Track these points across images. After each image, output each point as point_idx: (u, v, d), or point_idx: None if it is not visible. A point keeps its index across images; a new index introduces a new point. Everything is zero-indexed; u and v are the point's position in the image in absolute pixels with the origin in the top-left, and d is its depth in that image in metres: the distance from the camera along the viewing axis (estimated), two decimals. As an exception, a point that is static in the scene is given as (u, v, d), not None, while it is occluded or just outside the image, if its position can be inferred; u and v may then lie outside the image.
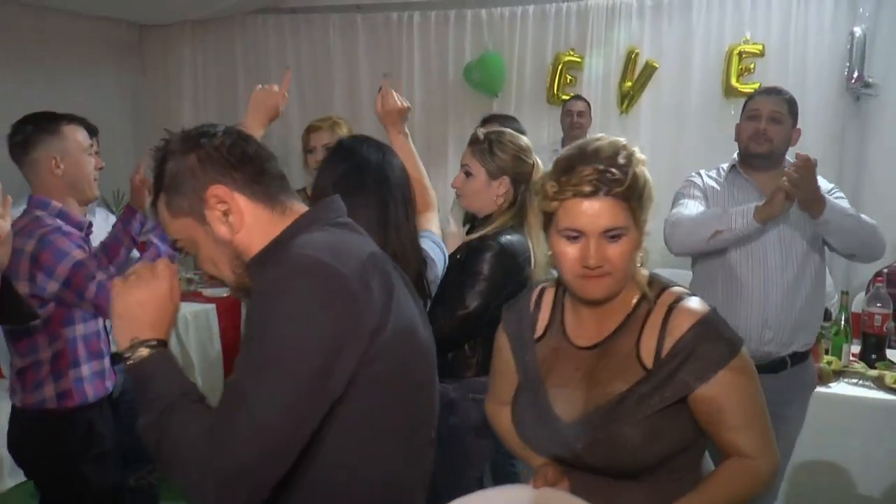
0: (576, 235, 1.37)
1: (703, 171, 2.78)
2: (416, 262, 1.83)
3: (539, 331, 1.55)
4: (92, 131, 2.73)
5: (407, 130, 2.30)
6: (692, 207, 2.61)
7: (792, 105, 2.62)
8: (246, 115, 2.05)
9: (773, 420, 2.34)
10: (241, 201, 1.25)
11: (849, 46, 4.57)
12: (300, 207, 1.32)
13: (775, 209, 2.37)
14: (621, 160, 1.38)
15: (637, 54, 5.01)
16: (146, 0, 5.11)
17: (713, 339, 1.38)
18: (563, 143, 4.84)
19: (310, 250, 1.16)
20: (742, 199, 2.56)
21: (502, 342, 1.61)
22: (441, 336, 1.98)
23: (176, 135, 1.29)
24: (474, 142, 2.31)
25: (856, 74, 4.56)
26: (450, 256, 2.22)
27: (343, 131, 3.01)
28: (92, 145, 2.70)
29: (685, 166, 4.93)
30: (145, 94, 6.08)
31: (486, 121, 3.04)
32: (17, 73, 4.66)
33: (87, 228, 2.36)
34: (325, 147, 2.93)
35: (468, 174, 2.29)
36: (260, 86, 2.10)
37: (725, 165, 2.72)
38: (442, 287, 2.13)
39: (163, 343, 1.24)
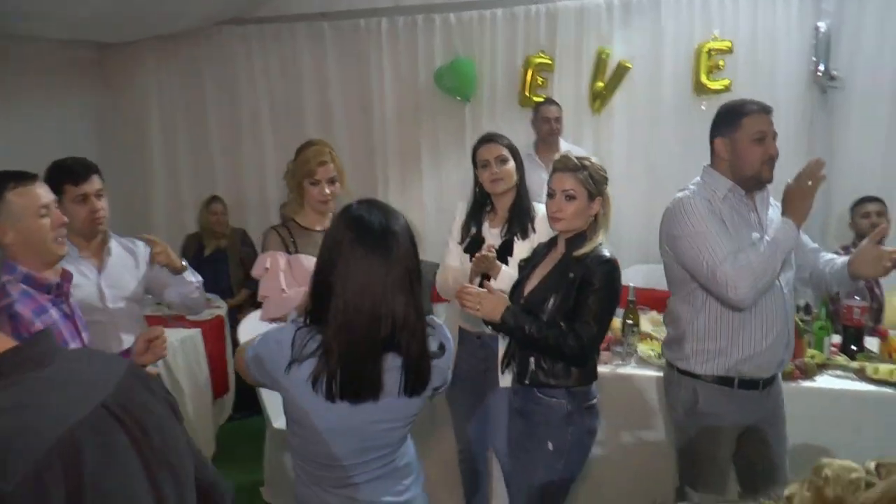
0: None
1: (691, 200, 2.50)
2: (419, 332, 1.78)
3: None
4: (89, 171, 2.66)
5: None
6: (725, 244, 2.41)
7: None
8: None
9: (779, 422, 2.40)
10: None
11: (814, 41, 4.67)
12: None
13: (807, 208, 2.41)
14: None
15: (607, 55, 5.04)
16: (106, 21, 4.98)
17: None
18: (537, 146, 4.86)
19: None
20: (742, 222, 2.49)
21: None
22: (584, 346, 2.35)
23: None
24: (575, 169, 2.45)
25: (822, 68, 4.66)
26: (561, 274, 2.44)
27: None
28: (100, 192, 2.64)
29: (659, 163, 5.02)
30: (111, 115, 5.98)
31: (485, 140, 3.05)
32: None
33: (62, 287, 2.26)
34: (329, 181, 2.90)
35: (571, 198, 2.45)
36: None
37: (720, 189, 2.50)
38: (567, 301, 2.39)
39: None
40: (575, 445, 2.49)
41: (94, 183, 2.66)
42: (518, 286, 2.61)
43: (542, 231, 2.91)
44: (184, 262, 2.88)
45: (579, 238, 2.49)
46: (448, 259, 3.13)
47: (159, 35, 5.71)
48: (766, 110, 2.48)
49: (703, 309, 2.54)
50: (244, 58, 5.75)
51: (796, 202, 2.41)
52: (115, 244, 2.80)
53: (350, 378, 1.72)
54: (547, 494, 2.54)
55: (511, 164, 2.97)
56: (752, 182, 2.50)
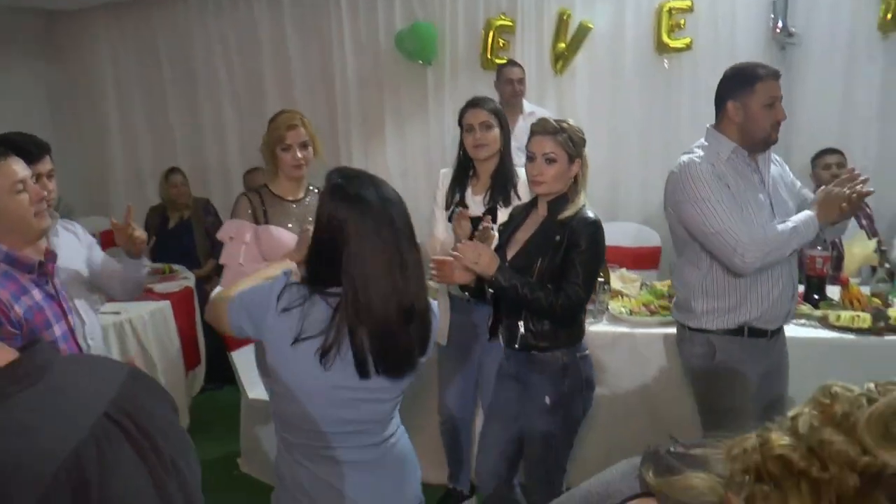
0: None
1: (697, 159, 2.51)
2: (424, 302, 1.80)
3: None
4: (41, 150, 2.58)
5: None
6: (732, 209, 2.44)
7: None
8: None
9: (784, 369, 2.43)
10: None
11: (772, -1, 4.71)
12: None
13: (835, 216, 2.45)
14: None
15: (569, 16, 5.03)
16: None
17: None
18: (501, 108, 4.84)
19: None
20: (747, 184, 2.52)
21: None
22: (573, 306, 2.40)
23: None
24: (554, 132, 2.45)
25: (780, 25, 4.70)
26: (546, 237, 2.45)
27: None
28: (51, 172, 2.56)
29: (622, 123, 5.06)
30: (64, 87, 5.82)
31: (471, 105, 3.02)
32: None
33: (45, 266, 2.18)
34: (301, 146, 2.86)
35: (551, 161, 2.45)
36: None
37: (724, 151, 2.51)
38: (554, 263, 2.42)
39: None
40: (573, 396, 2.53)
41: (47, 163, 2.57)
42: (499, 250, 2.60)
43: (525, 197, 2.91)
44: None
45: (561, 200, 2.50)
46: (436, 230, 3.14)
47: (108, 3, 5.54)
48: (776, 75, 2.50)
49: (710, 270, 2.57)
50: (200, 27, 5.63)
51: (831, 211, 2.44)
52: (60, 227, 2.65)
53: (386, 354, 1.73)
54: (550, 448, 2.58)
55: (496, 130, 2.96)
56: (761, 145, 2.52)
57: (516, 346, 2.53)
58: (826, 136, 4.60)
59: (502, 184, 2.99)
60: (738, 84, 2.49)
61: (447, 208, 3.10)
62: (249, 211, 2.87)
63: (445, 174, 3.16)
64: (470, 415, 3.32)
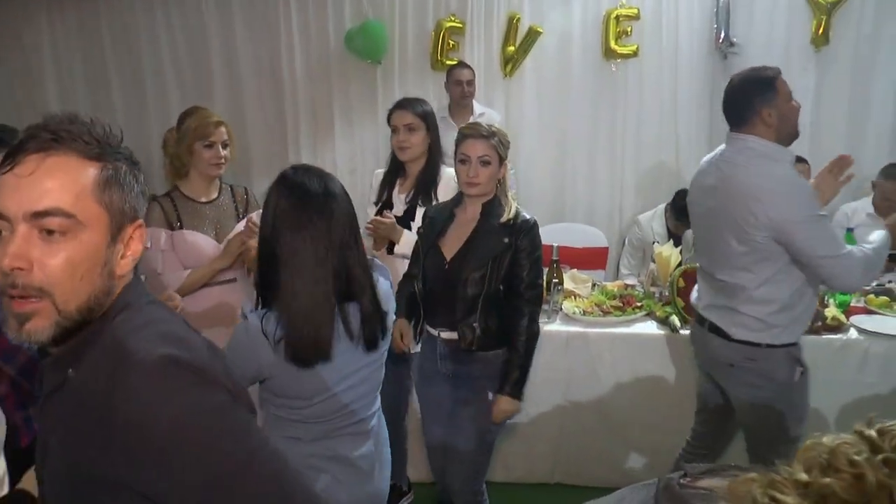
0: None
1: (800, 180, 2.51)
2: (369, 286, 1.89)
3: None
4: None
5: None
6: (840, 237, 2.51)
7: None
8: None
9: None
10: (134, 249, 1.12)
11: (715, 9, 4.86)
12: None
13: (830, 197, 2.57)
14: None
15: (518, 19, 5.09)
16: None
17: None
18: (450, 109, 4.88)
19: (154, 348, 1.01)
20: None
21: None
22: (535, 320, 2.57)
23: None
24: (487, 135, 2.54)
25: (722, 35, 4.86)
26: (489, 240, 2.54)
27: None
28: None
29: (569, 126, 5.15)
30: (1, 77, 5.57)
31: (397, 106, 3.03)
32: None
33: None
34: (223, 145, 2.84)
35: (486, 163, 2.53)
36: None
37: (789, 158, 2.51)
38: (504, 265, 2.52)
39: None
40: None
41: None
42: (432, 250, 2.65)
43: (444, 195, 2.96)
44: None
45: (495, 203, 2.59)
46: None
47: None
48: (780, 70, 2.55)
49: (797, 285, 2.53)
50: (145, 17, 5.46)
51: (827, 191, 2.55)
52: None
53: (306, 342, 1.78)
54: (486, 444, 2.68)
55: (419, 133, 2.99)
56: (792, 138, 2.55)
57: (473, 347, 2.57)
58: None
59: (425, 184, 3.04)
60: (761, 90, 2.50)
61: (376, 204, 3.14)
62: (162, 216, 2.81)
63: (378, 174, 3.21)
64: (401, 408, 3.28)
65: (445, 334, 2.65)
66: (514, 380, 2.55)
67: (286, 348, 1.76)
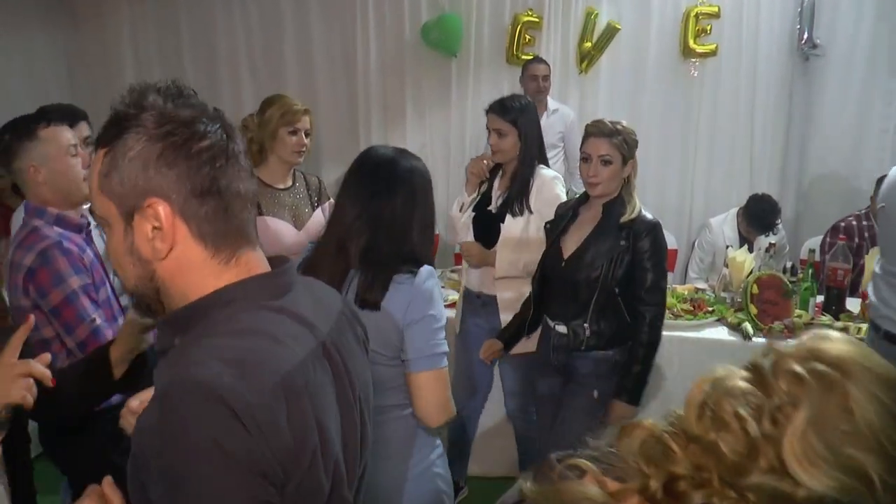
0: None
1: None
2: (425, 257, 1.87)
3: None
4: (76, 117, 2.61)
5: None
6: None
7: None
8: None
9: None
10: (181, 232, 0.99)
11: (799, 10, 4.78)
12: (251, 260, 1.06)
13: None
14: None
15: (596, 15, 5.07)
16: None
17: None
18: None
19: (207, 369, 0.90)
20: None
21: None
22: (657, 328, 2.51)
23: (160, 98, 1.00)
24: (609, 134, 2.50)
25: (805, 36, 4.76)
26: (607, 240, 2.51)
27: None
28: (87, 139, 2.59)
29: (643, 125, 5.08)
30: (82, 60, 5.76)
31: (490, 109, 3.02)
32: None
33: (87, 228, 2.28)
34: (306, 133, 2.90)
35: (607, 163, 2.49)
36: None
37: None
38: (621, 269, 2.49)
39: None
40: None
41: (84, 129, 2.62)
42: (553, 247, 2.66)
43: (541, 199, 2.94)
44: None
45: (617, 203, 2.56)
46: (452, 211, 3.24)
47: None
48: None
49: None
50: (222, 6, 5.59)
51: None
52: None
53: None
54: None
55: (509, 139, 2.95)
56: None
57: (582, 348, 2.58)
58: (840, 151, 4.71)
59: (517, 191, 2.98)
60: None
61: (470, 195, 3.15)
62: None
63: (473, 162, 3.18)
64: (478, 409, 3.34)
65: (559, 328, 2.66)
66: (630, 387, 2.52)
67: None
